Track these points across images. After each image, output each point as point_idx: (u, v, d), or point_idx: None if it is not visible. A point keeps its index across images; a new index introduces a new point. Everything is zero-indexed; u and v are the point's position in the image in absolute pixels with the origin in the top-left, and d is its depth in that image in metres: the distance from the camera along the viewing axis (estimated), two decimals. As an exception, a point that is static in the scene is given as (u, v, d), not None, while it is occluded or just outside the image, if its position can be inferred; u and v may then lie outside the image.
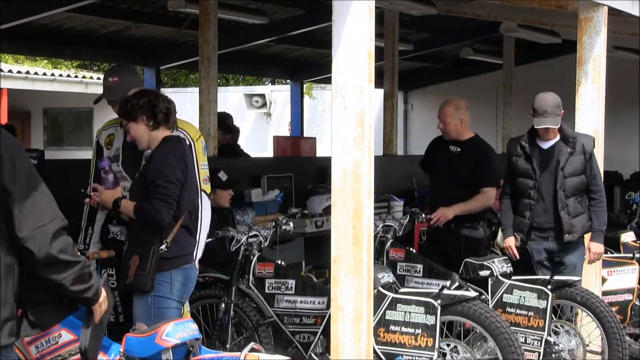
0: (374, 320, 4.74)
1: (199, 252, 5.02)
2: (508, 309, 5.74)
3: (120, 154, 5.25)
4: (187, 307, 5.20)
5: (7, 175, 3.10)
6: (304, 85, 16.46)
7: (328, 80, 14.12)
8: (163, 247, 4.66)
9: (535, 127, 6.29)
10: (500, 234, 8.01)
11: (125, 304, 5.04)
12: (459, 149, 6.97)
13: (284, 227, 5.92)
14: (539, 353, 5.65)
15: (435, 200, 7.13)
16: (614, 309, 6.08)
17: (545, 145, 6.37)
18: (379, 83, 6.71)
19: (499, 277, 5.82)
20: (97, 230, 5.24)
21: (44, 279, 3.19)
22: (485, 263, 5.87)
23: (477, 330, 5.23)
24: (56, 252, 3.15)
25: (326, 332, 5.17)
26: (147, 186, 4.68)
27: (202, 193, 5.07)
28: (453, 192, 6.89)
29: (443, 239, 6.91)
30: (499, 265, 5.87)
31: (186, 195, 4.78)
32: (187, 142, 5.05)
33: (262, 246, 5.77)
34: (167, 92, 16.75)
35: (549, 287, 5.75)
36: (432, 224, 6.89)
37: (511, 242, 6.40)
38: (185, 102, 14.91)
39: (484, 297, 5.70)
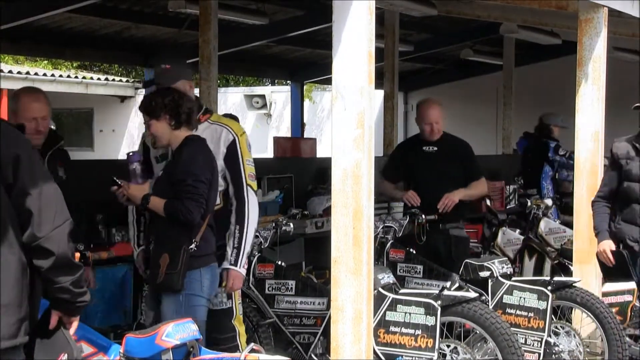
0: (374, 321, 4.74)
1: (247, 247, 5.05)
2: (508, 310, 5.73)
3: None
4: (239, 310, 5.21)
5: (26, 175, 3.14)
6: (304, 87, 16.47)
7: (328, 81, 14.14)
8: (192, 245, 4.67)
9: None
10: (500, 234, 8.01)
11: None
12: (435, 148, 6.94)
13: (284, 227, 5.92)
14: (539, 354, 5.65)
15: (425, 202, 6.85)
16: (614, 310, 6.08)
17: None
18: (379, 84, 6.70)
19: (499, 278, 5.81)
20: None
21: (49, 281, 3.20)
22: (485, 264, 5.86)
23: (477, 331, 5.23)
24: (70, 253, 3.20)
25: (326, 333, 5.17)
26: (175, 184, 4.68)
27: (249, 189, 5.09)
28: (440, 190, 6.85)
29: (433, 239, 6.85)
30: (499, 266, 5.87)
31: (213, 194, 4.81)
32: (231, 138, 5.09)
33: (262, 247, 5.77)
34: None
35: (549, 288, 5.75)
36: (441, 212, 6.79)
37: (606, 245, 5.97)
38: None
39: (484, 298, 5.70)
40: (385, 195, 7.33)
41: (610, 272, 6.08)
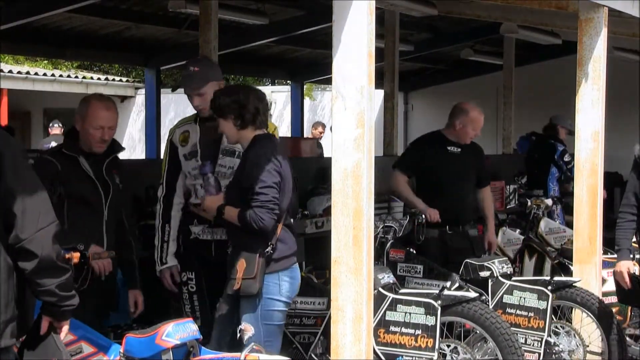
0: (374, 321, 4.74)
1: None
2: (508, 310, 5.74)
3: (198, 149, 5.26)
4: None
5: (10, 176, 3.10)
6: (304, 86, 16.47)
7: (328, 81, 14.13)
8: (269, 249, 4.63)
9: None
10: (501, 234, 8.01)
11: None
12: (459, 150, 6.89)
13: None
14: (539, 354, 5.65)
15: (442, 201, 6.71)
16: (614, 309, 6.08)
17: None
18: (379, 84, 6.70)
19: (499, 277, 5.82)
20: (175, 227, 5.29)
21: (33, 283, 3.16)
22: (485, 264, 5.86)
23: (477, 331, 5.23)
24: (55, 256, 3.15)
25: (326, 333, 5.16)
26: (244, 191, 4.62)
27: None
28: (462, 192, 6.84)
29: (455, 241, 6.77)
30: (499, 266, 5.87)
31: (285, 194, 4.73)
32: None
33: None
34: (168, 92, 16.75)
35: (549, 287, 5.75)
36: (489, 250, 6.92)
37: (624, 266, 5.70)
38: (186, 103, 14.88)
39: (484, 297, 5.70)
40: (400, 195, 7.11)
41: (625, 297, 5.91)
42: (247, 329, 4.61)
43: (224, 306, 4.85)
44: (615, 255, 6.45)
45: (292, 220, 4.91)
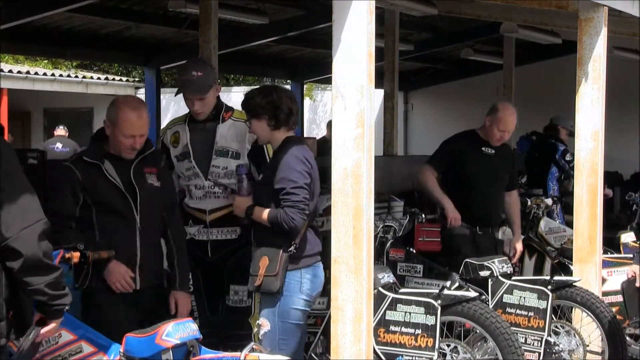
0: (374, 321, 4.74)
1: None
2: (508, 310, 5.73)
3: (190, 150, 5.27)
4: (257, 309, 5.22)
5: None
6: (304, 86, 16.47)
7: (328, 81, 14.13)
8: (292, 248, 4.66)
9: None
10: (501, 233, 8.00)
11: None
12: (493, 151, 6.80)
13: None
14: (539, 353, 5.65)
15: (474, 202, 6.67)
16: (614, 309, 6.08)
17: None
18: (379, 83, 6.70)
19: (499, 277, 5.81)
20: None
21: (22, 282, 3.12)
22: (485, 263, 5.86)
23: (477, 331, 5.23)
24: (41, 254, 3.10)
25: (326, 333, 5.16)
26: (275, 192, 4.65)
27: None
28: (494, 194, 6.79)
29: (484, 242, 6.73)
30: (499, 266, 5.87)
31: (314, 196, 4.80)
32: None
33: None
34: (168, 92, 16.76)
35: (549, 287, 5.74)
36: (514, 261, 6.84)
37: None
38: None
39: (484, 297, 5.70)
40: (428, 191, 6.89)
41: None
42: (264, 324, 4.65)
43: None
44: (615, 255, 6.47)
45: (315, 221, 4.94)
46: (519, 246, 7.03)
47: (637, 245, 7.35)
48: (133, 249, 4.63)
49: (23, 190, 3.11)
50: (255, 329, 4.69)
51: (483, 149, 6.80)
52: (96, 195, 4.57)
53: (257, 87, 5.00)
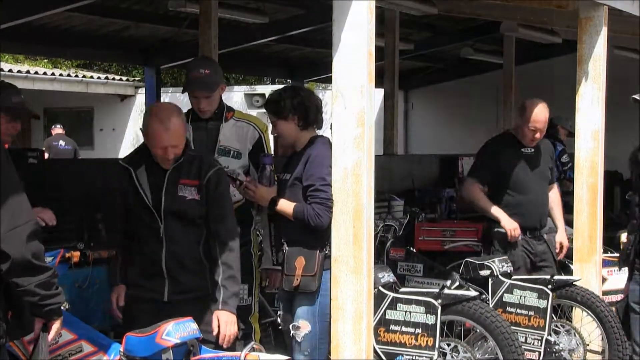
0: (374, 320, 4.74)
1: None
2: (508, 309, 5.73)
3: (193, 148, 5.25)
4: (256, 308, 5.25)
5: None
6: (305, 86, 16.46)
7: (329, 80, 14.13)
8: (327, 248, 4.55)
9: None
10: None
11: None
12: (532, 150, 6.53)
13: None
14: (540, 353, 5.65)
15: (523, 207, 6.42)
16: (614, 308, 6.08)
17: None
18: (379, 83, 6.70)
19: (500, 276, 5.81)
20: None
21: (12, 284, 3.09)
22: (485, 262, 5.86)
23: (478, 330, 5.23)
24: (30, 255, 3.07)
25: (326, 332, 5.16)
26: (305, 189, 4.58)
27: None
28: (541, 195, 6.59)
29: (533, 245, 6.48)
30: (499, 265, 5.87)
31: None
32: (257, 135, 5.18)
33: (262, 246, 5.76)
34: (168, 92, 16.76)
35: (549, 286, 5.74)
36: (561, 257, 6.59)
37: None
38: (186, 101, 14.89)
39: (484, 296, 5.70)
40: (478, 206, 6.50)
41: None
42: (304, 326, 4.57)
43: (285, 304, 4.81)
44: (615, 254, 6.46)
45: None
46: (565, 241, 6.61)
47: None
48: (158, 259, 4.40)
49: (12, 191, 3.06)
50: (292, 331, 4.59)
51: (523, 149, 6.50)
52: (128, 200, 4.48)
53: (279, 88, 4.92)
